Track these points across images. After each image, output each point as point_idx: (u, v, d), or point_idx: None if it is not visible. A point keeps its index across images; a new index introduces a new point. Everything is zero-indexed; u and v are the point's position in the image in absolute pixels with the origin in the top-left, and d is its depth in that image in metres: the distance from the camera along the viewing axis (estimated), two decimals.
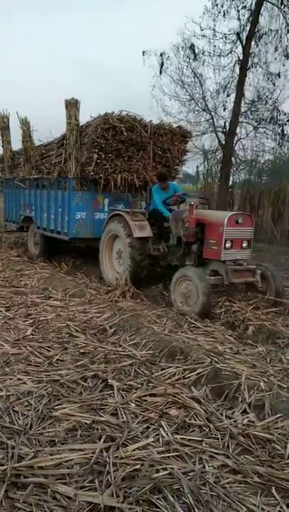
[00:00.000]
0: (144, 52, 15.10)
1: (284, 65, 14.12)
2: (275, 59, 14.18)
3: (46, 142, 9.57)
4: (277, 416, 3.18)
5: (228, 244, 6.03)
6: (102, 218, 8.22)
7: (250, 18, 13.76)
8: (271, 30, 13.95)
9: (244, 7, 13.99)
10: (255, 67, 14.42)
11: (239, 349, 4.61)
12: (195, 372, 3.86)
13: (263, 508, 2.31)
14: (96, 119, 7.79)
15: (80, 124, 8.22)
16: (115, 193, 8.22)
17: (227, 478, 2.53)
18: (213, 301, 6.01)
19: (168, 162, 8.70)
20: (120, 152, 7.96)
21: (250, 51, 13.87)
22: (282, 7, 13.60)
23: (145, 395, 3.49)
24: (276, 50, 14.03)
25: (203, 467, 2.61)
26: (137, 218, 7.08)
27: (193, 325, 5.32)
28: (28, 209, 10.44)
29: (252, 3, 13.76)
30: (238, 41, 14.07)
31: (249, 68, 14.12)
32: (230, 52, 14.49)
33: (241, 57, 13.92)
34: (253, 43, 13.92)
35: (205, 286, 5.66)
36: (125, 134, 7.84)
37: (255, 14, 13.49)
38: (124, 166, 8.05)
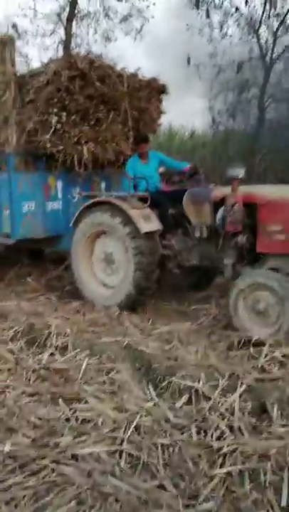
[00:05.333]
0: None
1: (106, 47, 14.95)
2: (96, 41, 14.92)
3: None
4: (76, 351, 3.82)
5: None
6: (55, 209, 6.09)
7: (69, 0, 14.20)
8: (90, 12, 14.60)
9: None
10: (79, 47, 14.97)
11: (58, 307, 5.19)
12: (12, 330, 4.33)
13: (49, 413, 2.93)
14: (55, 62, 5.59)
15: (19, 73, 6.05)
16: (81, 174, 5.80)
17: (24, 400, 3.10)
18: None
19: (145, 126, 6.38)
20: (87, 113, 5.66)
21: (72, 32, 14.36)
22: None
23: None
24: (96, 32, 14.76)
25: (5, 397, 3.14)
26: (136, 205, 5.00)
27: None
28: None
29: None
30: (60, 22, 14.45)
31: (72, 49, 14.59)
32: (53, 32, 14.83)
33: (64, 38, 14.34)
34: (74, 24, 14.42)
35: None
36: (97, 85, 5.62)
37: None
38: (92, 133, 5.72)
